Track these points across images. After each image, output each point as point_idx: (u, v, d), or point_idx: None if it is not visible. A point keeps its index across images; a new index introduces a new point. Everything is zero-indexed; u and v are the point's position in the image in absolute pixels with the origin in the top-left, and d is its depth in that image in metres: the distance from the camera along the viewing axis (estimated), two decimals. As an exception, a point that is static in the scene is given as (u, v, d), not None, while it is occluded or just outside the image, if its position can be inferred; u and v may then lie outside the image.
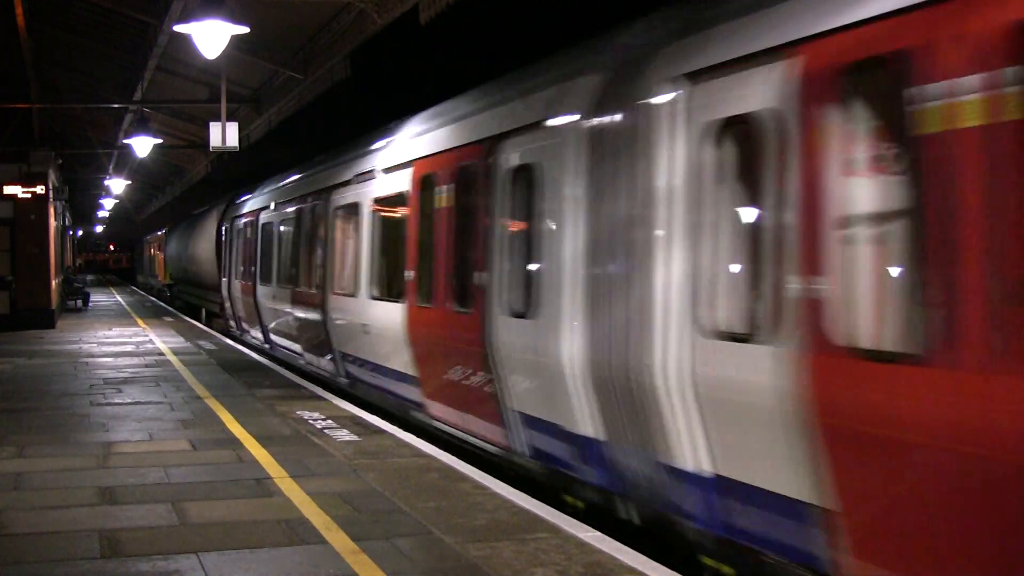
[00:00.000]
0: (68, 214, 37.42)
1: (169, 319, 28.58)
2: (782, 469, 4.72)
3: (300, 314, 14.07)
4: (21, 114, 21.11)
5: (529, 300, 7.09)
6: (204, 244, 26.47)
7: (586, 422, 6.45)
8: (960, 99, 3.76)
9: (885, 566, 4.22)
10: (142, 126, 18.35)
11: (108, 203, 40.16)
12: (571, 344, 6.41)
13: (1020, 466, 3.50)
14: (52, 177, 24.17)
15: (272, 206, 16.58)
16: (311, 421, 10.19)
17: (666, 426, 5.54)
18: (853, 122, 4.45)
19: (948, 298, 3.80)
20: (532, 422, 7.21)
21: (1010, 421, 3.55)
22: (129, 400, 11.72)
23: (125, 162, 29.32)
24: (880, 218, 4.48)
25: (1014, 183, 3.58)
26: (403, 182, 9.89)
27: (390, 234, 10.72)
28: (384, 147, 10.98)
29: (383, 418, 10.38)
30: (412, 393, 9.76)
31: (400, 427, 9.80)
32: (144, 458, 8.30)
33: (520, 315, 7.17)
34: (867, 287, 4.50)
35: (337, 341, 12.36)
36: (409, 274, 9.58)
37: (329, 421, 10.18)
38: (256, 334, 18.60)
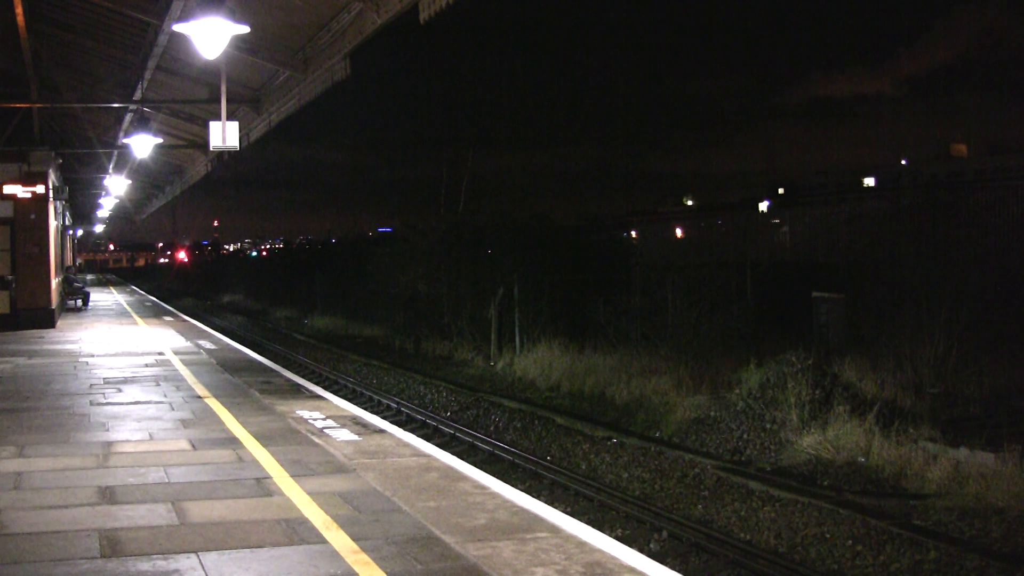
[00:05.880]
0: (68, 214, 37.40)
1: (169, 319, 28.58)
2: None
3: None
4: (21, 114, 21.10)
5: None
6: None
7: None
8: None
9: None
10: (142, 126, 18.33)
11: (108, 203, 40.11)
12: None
13: None
14: (52, 177, 24.16)
15: None
16: (311, 421, 10.19)
17: None
18: None
19: None
20: None
21: None
22: (129, 400, 11.72)
23: (125, 162, 29.29)
24: None
25: None
26: None
27: None
28: None
29: (383, 418, 10.38)
30: None
31: (400, 427, 9.79)
32: (144, 458, 8.30)
33: None
34: None
35: None
36: None
37: (329, 421, 10.18)
38: None
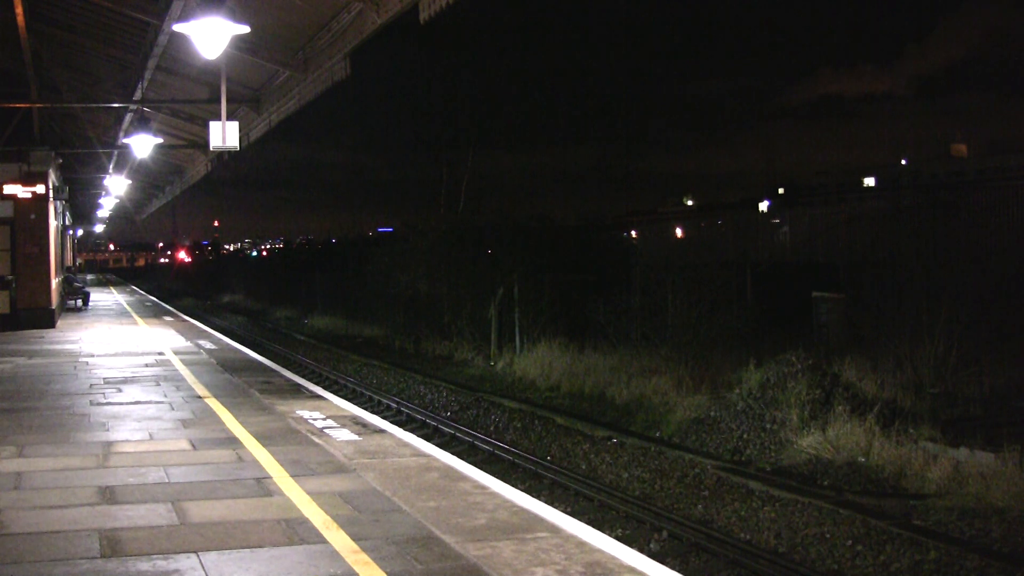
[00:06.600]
0: (68, 214, 37.41)
1: (169, 318, 28.59)
2: None
3: None
4: (21, 114, 21.10)
5: None
6: None
7: None
8: None
9: None
10: (142, 126, 18.34)
11: (108, 203, 40.11)
12: None
13: None
14: (52, 177, 24.16)
15: None
16: (311, 421, 10.18)
17: None
18: None
19: None
20: None
21: None
22: (129, 399, 11.72)
23: (125, 162, 29.30)
24: None
25: None
26: None
27: None
28: None
29: (383, 418, 10.39)
30: None
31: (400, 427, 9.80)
32: (144, 457, 8.30)
33: None
34: None
35: None
36: None
37: (329, 421, 10.18)
38: None
